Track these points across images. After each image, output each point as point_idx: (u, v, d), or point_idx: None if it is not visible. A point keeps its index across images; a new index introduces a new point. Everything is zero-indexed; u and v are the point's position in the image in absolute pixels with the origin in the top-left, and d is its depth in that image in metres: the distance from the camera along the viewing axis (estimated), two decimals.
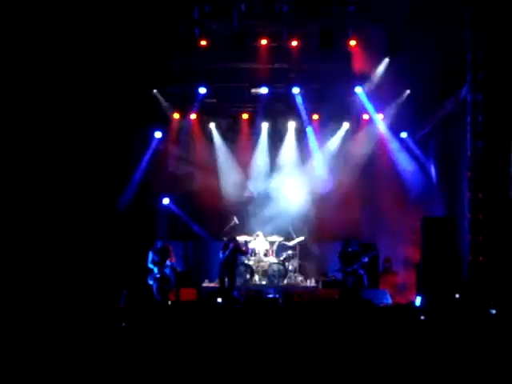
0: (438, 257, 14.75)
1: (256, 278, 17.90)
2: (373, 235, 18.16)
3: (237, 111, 19.60)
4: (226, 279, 16.48)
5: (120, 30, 15.14)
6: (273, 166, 19.80)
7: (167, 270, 15.91)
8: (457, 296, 13.42)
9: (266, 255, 18.21)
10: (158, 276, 15.74)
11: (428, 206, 17.57)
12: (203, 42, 16.10)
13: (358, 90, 18.07)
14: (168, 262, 15.88)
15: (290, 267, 18.16)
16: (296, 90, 18.40)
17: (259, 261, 18.12)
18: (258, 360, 7.11)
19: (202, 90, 18.16)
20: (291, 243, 18.37)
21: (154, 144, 19.03)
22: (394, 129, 18.78)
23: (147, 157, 18.82)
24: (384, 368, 7.00)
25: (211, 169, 19.54)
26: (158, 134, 19.05)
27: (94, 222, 16.44)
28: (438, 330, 8.08)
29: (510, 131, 13.78)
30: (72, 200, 15.89)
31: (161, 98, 18.54)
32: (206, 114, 19.49)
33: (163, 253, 15.95)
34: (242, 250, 17.13)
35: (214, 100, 18.95)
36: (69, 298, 12.39)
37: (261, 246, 18.28)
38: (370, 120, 19.00)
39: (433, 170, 18.21)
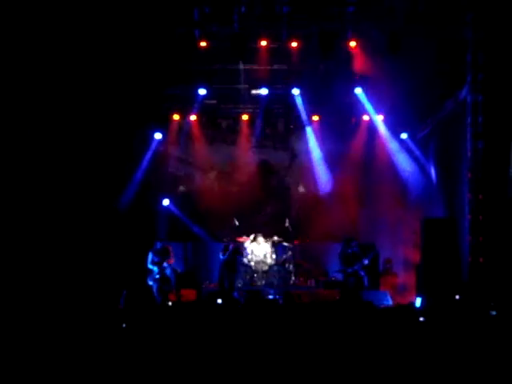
0: (438, 258, 14.74)
1: (256, 279, 17.90)
2: (372, 236, 18.15)
3: (237, 112, 19.61)
4: (226, 281, 16.50)
5: (120, 32, 15.12)
6: (273, 166, 19.82)
7: (168, 271, 15.92)
8: (457, 297, 13.41)
9: (265, 256, 18.22)
10: (157, 277, 15.75)
11: (428, 206, 17.57)
12: (203, 44, 16.08)
13: (358, 90, 18.07)
14: (165, 264, 15.89)
15: (290, 268, 18.17)
16: (296, 91, 18.41)
17: (259, 262, 18.12)
18: (258, 360, 7.11)
19: (202, 91, 18.15)
20: (291, 244, 18.37)
21: (154, 145, 19.05)
22: (394, 130, 18.79)
23: (147, 158, 18.83)
24: (384, 369, 7.00)
25: (211, 170, 19.56)
26: (157, 135, 19.07)
27: (95, 223, 16.43)
28: (438, 331, 8.08)
29: (510, 132, 13.77)
30: (73, 200, 15.89)
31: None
32: (206, 115, 19.49)
33: (163, 253, 15.96)
34: (241, 252, 17.17)
35: (214, 101, 18.96)
36: (69, 298, 12.40)
37: (261, 247, 18.28)
38: (370, 121, 19.01)
39: (433, 171, 18.21)
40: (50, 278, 14.42)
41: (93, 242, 16.17)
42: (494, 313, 9.93)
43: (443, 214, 16.70)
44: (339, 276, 16.64)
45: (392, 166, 18.80)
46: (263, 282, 17.84)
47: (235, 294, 16.13)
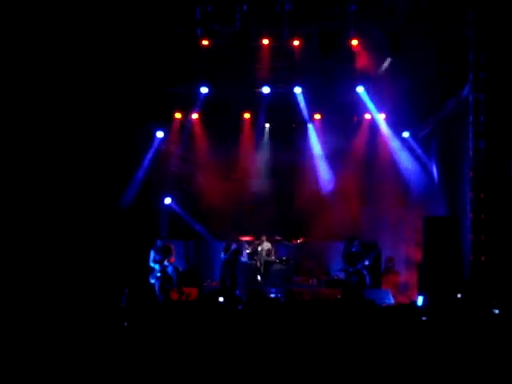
0: (440, 256, 14.74)
1: (258, 277, 17.91)
2: (374, 234, 18.17)
3: (238, 111, 19.62)
4: (228, 279, 16.53)
5: (122, 31, 15.14)
6: (275, 165, 19.83)
7: (169, 269, 15.96)
8: (458, 296, 13.41)
9: (268, 255, 18.23)
10: (159, 275, 15.77)
11: (430, 205, 17.56)
12: (205, 42, 16.11)
13: (360, 89, 18.08)
14: (166, 262, 15.91)
15: (292, 267, 18.17)
16: (298, 90, 18.42)
17: (261, 260, 18.13)
18: (259, 359, 7.12)
19: (204, 90, 18.19)
20: (293, 243, 18.39)
21: (156, 144, 19.06)
22: (396, 128, 18.81)
23: (149, 156, 18.85)
24: (386, 367, 7.00)
25: (213, 168, 19.56)
26: (159, 134, 19.09)
27: (97, 221, 16.45)
28: (440, 329, 8.07)
29: (511, 131, 13.78)
30: (75, 198, 15.89)
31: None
32: (208, 114, 19.50)
33: (165, 252, 15.99)
34: (242, 252, 17.21)
35: (216, 100, 18.96)
36: (71, 296, 12.40)
37: (263, 246, 18.30)
38: (372, 119, 19.02)
39: (434, 170, 18.20)
40: (52, 275, 14.43)
41: (95, 240, 16.18)
42: (496, 311, 9.93)
43: (445, 213, 16.70)
44: (341, 275, 16.65)
45: (394, 165, 18.81)
46: (265, 281, 17.85)
47: (237, 292, 16.16)
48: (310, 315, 8.52)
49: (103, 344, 7.49)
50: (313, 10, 15.34)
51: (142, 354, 7.26)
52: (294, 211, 18.99)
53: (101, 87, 15.93)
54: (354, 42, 16.11)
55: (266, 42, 16.31)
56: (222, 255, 16.88)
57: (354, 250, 15.99)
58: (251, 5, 15.35)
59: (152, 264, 15.92)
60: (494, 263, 13.75)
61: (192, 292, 16.68)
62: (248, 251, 17.95)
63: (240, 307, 10.07)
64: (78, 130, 15.80)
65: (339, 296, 15.93)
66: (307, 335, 7.70)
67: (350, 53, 16.31)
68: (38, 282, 13.87)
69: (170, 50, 16.19)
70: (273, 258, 18.19)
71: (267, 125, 19.90)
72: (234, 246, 16.93)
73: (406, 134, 18.91)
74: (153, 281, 15.86)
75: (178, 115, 19.28)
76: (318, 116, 19.43)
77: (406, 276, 17.88)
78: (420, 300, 14.01)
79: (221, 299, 11.98)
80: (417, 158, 18.79)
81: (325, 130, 19.48)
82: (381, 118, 18.78)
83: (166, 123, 19.14)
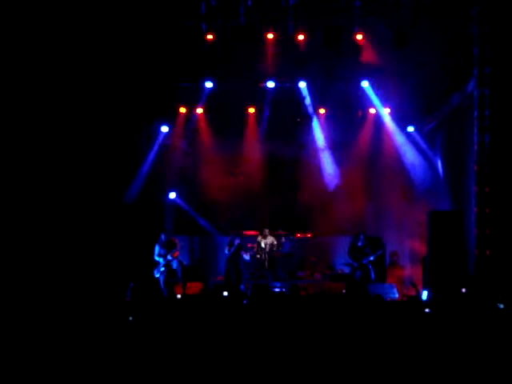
0: (445, 251, 14.73)
1: (262, 271, 17.92)
2: (379, 229, 18.17)
3: (243, 105, 19.61)
4: (232, 274, 16.55)
5: (127, 26, 15.16)
6: (279, 159, 19.80)
7: (174, 264, 15.98)
8: (463, 290, 13.42)
9: (272, 249, 18.23)
10: (163, 269, 15.80)
11: (434, 199, 17.54)
12: (210, 37, 16.11)
13: (365, 83, 18.07)
14: (169, 257, 15.94)
15: (297, 261, 18.19)
16: (302, 84, 18.41)
17: (266, 255, 18.14)
18: (264, 353, 7.13)
19: (209, 85, 18.19)
20: (297, 237, 18.40)
21: (160, 138, 19.08)
22: (401, 123, 18.79)
23: (154, 151, 18.88)
24: (390, 361, 7.02)
25: (217, 163, 19.55)
26: (164, 129, 19.10)
27: (102, 216, 16.47)
28: (445, 324, 8.09)
29: None
30: (80, 193, 15.92)
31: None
32: (213, 108, 19.49)
33: (169, 246, 16.02)
34: (245, 248, 17.25)
35: (221, 94, 18.95)
36: (75, 290, 12.45)
37: (267, 240, 18.30)
38: (377, 114, 19.00)
39: (439, 164, 18.19)
40: (57, 270, 14.47)
41: (100, 234, 16.21)
42: (501, 306, 9.93)
43: (450, 207, 16.68)
44: (346, 269, 16.66)
45: (398, 159, 18.78)
46: (270, 275, 17.86)
47: (242, 286, 16.18)
48: (314, 309, 8.53)
49: (108, 338, 7.52)
50: (317, 4, 15.34)
51: (147, 348, 7.28)
52: (299, 206, 18.96)
53: (105, 82, 15.95)
54: (359, 37, 16.09)
55: (270, 36, 16.29)
56: (226, 251, 16.90)
57: (359, 244, 16.03)
58: None
59: (157, 258, 15.95)
60: (499, 257, 13.76)
61: (196, 287, 16.73)
62: (249, 255, 17.89)
63: (245, 302, 10.10)
64: (83, 125, 15.82)
65: (344, 290, 15.97)
66: (312, 329, 7.71)
67: (354, 47, 16.29)
68: (44, 276, 13.92)
69: (175, 45, 16.19)
70: (277, 252, 18.19)
71: (272, 119, 19.85)
72: (237, 241, 16.92)
73: (410, 129, 18.88)
74: (157, 275, 15.89)
75: (182, 110, 19.26)
76: (322, 110, 19.40)
77: (411, 270, 17.88)
78: (425, 294, 14.01)
79: (225, 294, 12.02)
80: (421, 152, 18.77)
81: (329, 124, 19.45)
82: (385, 112, 18.75)
83: (170, 118, 19.13)
